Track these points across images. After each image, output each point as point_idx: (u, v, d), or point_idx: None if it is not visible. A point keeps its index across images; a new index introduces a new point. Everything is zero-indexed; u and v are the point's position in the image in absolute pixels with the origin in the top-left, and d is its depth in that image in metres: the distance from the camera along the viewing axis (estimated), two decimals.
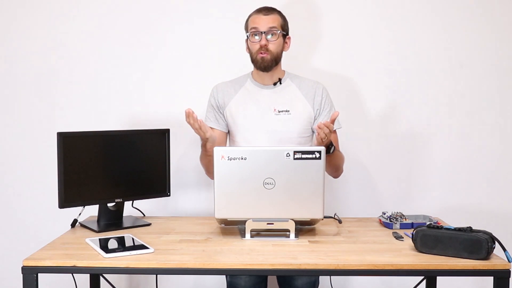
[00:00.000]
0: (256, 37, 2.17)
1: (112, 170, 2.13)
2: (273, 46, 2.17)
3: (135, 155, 2.17)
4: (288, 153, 1.85)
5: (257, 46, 2.17)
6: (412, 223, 2.06)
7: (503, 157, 2.73)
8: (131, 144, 2.17)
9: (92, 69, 2.70)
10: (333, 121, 1.99)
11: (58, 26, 2.69)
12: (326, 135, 1.95)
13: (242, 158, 1.84)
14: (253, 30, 2.18)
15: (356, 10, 2.68)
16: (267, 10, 2.20)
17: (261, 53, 2.16)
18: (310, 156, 1.85)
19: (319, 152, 1.84)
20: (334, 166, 2.22)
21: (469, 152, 2.72)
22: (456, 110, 2.71)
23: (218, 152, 1.84)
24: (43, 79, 2.70)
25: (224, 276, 2.31)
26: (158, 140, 2.22)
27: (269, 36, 2.16)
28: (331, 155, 2.07)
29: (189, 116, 1.98)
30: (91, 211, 2.18)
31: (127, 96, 2.71)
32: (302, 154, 1.85)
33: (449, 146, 2.72)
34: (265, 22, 2.16)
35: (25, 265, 1.66)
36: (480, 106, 2.71)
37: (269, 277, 2.35)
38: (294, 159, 1.84)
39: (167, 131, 2.23)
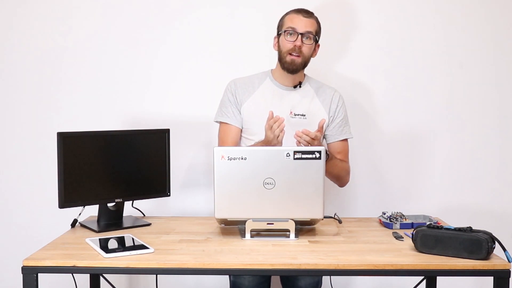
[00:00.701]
0: (291, 37, 2.14)
1: (112, 170, 2.13)
2: (306, 49, 2.15)
3: (135, 155, 2.17)
4: (288, 153, 1.85)
5: (290, 46, 2.14)
6: (412, 223, 2.06)
7: (503, 157, 2.73)
8: (131, 144, 2.17)
9: (92, 69, 2.70)
10: (320, 129, 2.01)
11: (58, 26, 2.69)
12: (308, 143, 1.95)
13: (242, 158, 1.84)
14: (289, 29, 2.14)
15: (359, 12, 2.68)
16: (306, 13, 2.18)
17: (292, 55, 2.14)
18: (310, 156, 1.85)
19: (319, 152, 1.84)
20: (332, 175, 2.21)
21: (469, 152, 2.72)
22: (456, 110, 2.71)
23: (218, 152, 1.84)
24: (43, 79, 2.70)
25: (227, 276, 2.31)
26: (158, 140, 2.21)
27: (304, 39, 2.14)
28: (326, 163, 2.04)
29: (277, 121, 1.95)
30: (91, 211, 2.18)
31: (127, 96, 2.71)
32: (302, 154, 1.85)
33: (449, 146, 2.72)
34: (304, 24, 2.14)
35: (25, 265, 1.66)
36: (480, 106, 2.71)
37: (272, 277, 2.35)
38: (294, 159, 1.84)
39: (167, 131, 2.23)
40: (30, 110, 2.71)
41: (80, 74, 2.70)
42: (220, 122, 2.27)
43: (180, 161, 2.67)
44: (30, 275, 1.65)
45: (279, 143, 2.00)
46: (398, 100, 2.71)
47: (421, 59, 2.69)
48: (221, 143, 2.25)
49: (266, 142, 2.03)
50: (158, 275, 2.26)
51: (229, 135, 2.22)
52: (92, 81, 2.70)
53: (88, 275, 2.19)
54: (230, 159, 1.84)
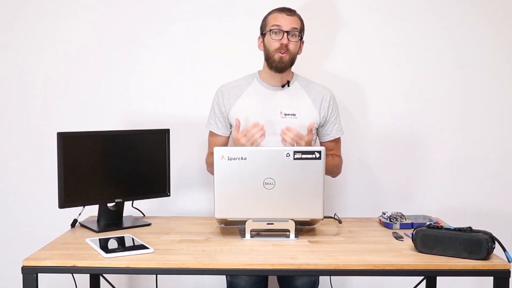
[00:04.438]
0: (277, 35, 2.14)
1: (112, 170, 2.13)
2: (293, 47, 2.15)
3: (135, 155, 2.17)
4: (288, 153, 1.85)
5: (276, 45, 2.14)
6: (412, 223, 2.06)
7: (503, 157, 2.72)
8: (131, 144, 2.17)
9: (92, 69, 2.70)
10: (310, 132, 2.06)
11: (58, 26, 2.68)
12: (293, 140, 2.02)
13: (242, 158, 1.84)
14: (275, 27, 2.14)
15: (360, 12, 2.67)
16: (290, 11, 2.18)
17: (281, 52, 2.13)
18: (310, 156, 1.85)
19: (319, 152, 1.84)
20: (326, 170, 2.22)
21: (469, 152, 2.72)
22: (456, 110, 2.71)
23: (218, 152, 1.84)
24: (43, 79, 2.70)
25: (224, 276, 2.31)
26: (158, 140, 2.22)
27: (290, 36, 2.14)
28: None
29: (260, 129, 2.03)
30: (91, 211, 2.18)
31: (127, 96, 2.71)
32: (302, 154, 1.85)
33: (449, 146, 2.72)
34: (289, 22, 2.14)
35: (25, 265, 1.66)
36: (480, 106, 2.70)
37: (269, 277, 2.35)
38: (294, 159, 1.84)
39: (167, 131, 2.23)
40: (30, 110, 2.71)
41: (80, 74, 2.70)
42: (209, 130, 2.31)
43: (180, 161, 2.67)
44: (30, 275, 1.65)
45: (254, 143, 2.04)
46: (399, 100, 2.70)
47: (420, 59, 2.69)
48: (208, 150, 2.29)
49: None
50: (158, 275, 2.26)
51: (215, 143, 2.25)
52: (92, 81, 2.70)
53: (88, 275, 2.19)
54: (230, 159, 1.84)
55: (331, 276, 2.19)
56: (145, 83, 2.71)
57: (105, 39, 2.69)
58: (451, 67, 2.69)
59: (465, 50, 2.69)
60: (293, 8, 2.21)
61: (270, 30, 2.15)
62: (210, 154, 2.25)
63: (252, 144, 2.02)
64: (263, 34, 2.21)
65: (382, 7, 2.67)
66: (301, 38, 2.21)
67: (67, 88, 2.70)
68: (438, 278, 2.19)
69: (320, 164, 1.85)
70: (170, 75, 2.70)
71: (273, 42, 2.15)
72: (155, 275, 2.29)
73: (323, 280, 2.36)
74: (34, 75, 2.70)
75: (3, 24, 2.69)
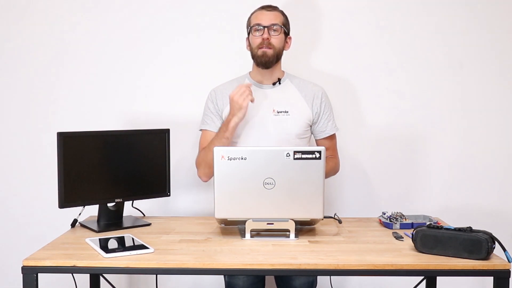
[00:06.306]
0: (259, 32, 2.17)
1: (112, 170, 2.13)
2: (275, 41, 2.16)
3: (135, 155, 2.17)
4: (288, 153, 1.85)
5: (258, 40, 2.16)
6: (412, 223, 2.06)
7: (503, 157, 2.72)
8: (131, 144, 2.17)
9: (93, 69, 2.70)
10: None
11: (58, 25, 2.68)
12: None
13: (242, 158, 1.84)
14: (255, 25, 2.17)
15: (355, 10, 2.68)
16: (269, 7, 2.22)
17: (263, 47, 2.15)
18: (310, 156, 1.84)
19: (319, 152, 1.84)
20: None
21: (469, 152, 2.72)
22: (456, 110, 2.71)
23: (218, 152, 1.84)
24: (43, 79, 2.70)
25: (222, 276, 2.31)
26: (158, 140, 2.22)
27: (271, 31, 2.16)
28: None
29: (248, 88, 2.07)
30: (91, 211, 2.18)
31: (127, 96, 2.71)
32: (302, 154, 1.85)
33: (449, 146, 2.72)
34: (268, 18, 2.17)
35: (25, 265, 1.66)
36: (480, 106, 2.70)
37: (267, 277, 2.35)
38: (294, 159, 1.84)
39: (167, 131, 2.23)
40: (30, 110, 2.71)
41: (80, 74, 2.70)
42: (202, 130, 2.29)
43: (180, 161, 2.67)
44: (30, 275, 1.65)
45: (244, 109, 2.07)
46: (399, 100, 2.70)
47: (420, 59, 2.69)
48: (201, 149, 2.27)
49: (232, 114, 2.10)
50: (158, 275, 2.26)
51: (208, 141, 2.22)
52: (92, 81, 2.70)
53: (88, 275, 2.19)
54: (230, 159, 1.84)
55: (331, 276, 2.19)
56: (145, 83, 2.71)
57: (106, 40, 2.69)
58: (449, 65, 2.69)
59: (463, 48, 2.68)
60: (289, 6, 2.22)
61: (252, 27, 2.18)
62: (204, 151, 2.20)
63: (243, 99, 2.06)
64: (248, 35, 2.23)
65: (378, 3, 2.67)
66: (287, 33, 2.22)
67: (68, 88, 2.71)
68: (438, 278, 2.19)
69: (320, 164, 1.84)
70: (170, 75, 2.70)
71: (255, 39, 2.18)
72: (155, 275, 2.29)
73: (323, 280, 2.36)
74: (34, 75, 2.70)
75: (4, 24, 2.69)
